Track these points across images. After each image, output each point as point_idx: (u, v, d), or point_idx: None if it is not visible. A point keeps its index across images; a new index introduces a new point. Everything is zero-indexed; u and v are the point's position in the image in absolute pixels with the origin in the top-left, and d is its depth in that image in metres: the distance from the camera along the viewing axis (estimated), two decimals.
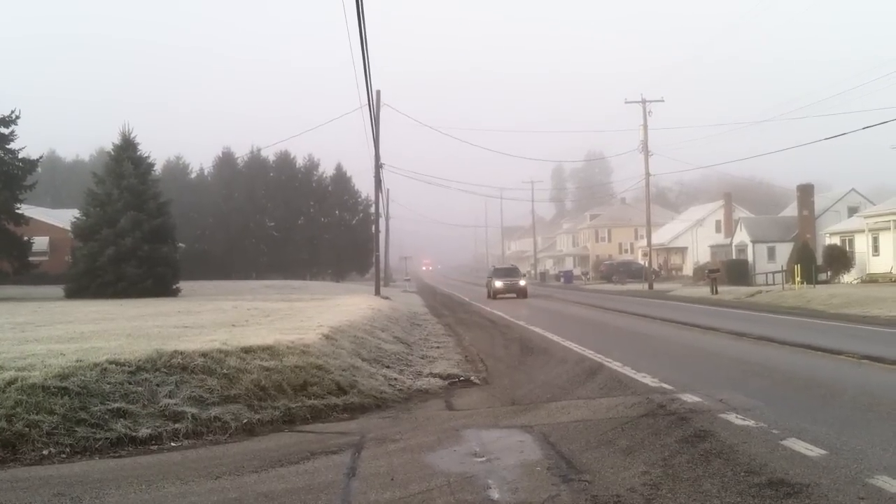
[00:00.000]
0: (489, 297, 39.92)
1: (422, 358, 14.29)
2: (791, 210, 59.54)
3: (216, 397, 8.58)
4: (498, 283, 40.15)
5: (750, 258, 54.77)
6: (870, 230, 42.07)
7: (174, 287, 35.71)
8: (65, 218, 44.28)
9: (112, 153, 37.26)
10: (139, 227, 34.13)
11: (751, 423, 7.52)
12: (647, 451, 6.66)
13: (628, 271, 66.77)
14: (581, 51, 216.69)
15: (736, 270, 51.29)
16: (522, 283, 40.69)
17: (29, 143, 37.52)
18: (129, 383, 8.33)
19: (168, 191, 44.33)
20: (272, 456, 7.03)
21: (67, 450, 7.15)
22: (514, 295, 39.27)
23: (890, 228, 39.84)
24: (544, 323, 21.82)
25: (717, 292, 37.71)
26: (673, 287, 50.38)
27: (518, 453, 6.86)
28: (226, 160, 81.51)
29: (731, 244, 60.03)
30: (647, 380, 10.53)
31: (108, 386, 8.14)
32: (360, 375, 10.61)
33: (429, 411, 9.44)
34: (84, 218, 35.66)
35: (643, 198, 55.45)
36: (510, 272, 43.59)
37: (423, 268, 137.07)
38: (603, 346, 15.02)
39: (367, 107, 29.62)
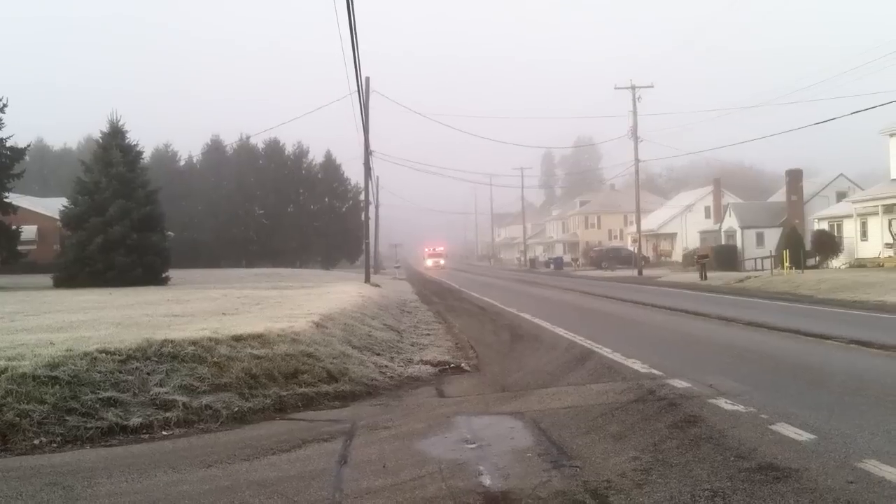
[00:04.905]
0: None
1: (412, 345, 14.29)
2: (780, 195, 59.74)
3: (207, 386, 8.56)
4: None
5: (739, 244, 54.94)
6: (858, 215, 42.24)
7: (163, 276, 35.53)
8: (53, 206, 43.93)
9: (100, 141, 36.90)
10: (128, 216, 33.91)
11: (740, 407, 7.58)
12: (637, 436, 6.71)
13: (618, 257, 66.94)
14: (571, 37, 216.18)
15: (725, 256, 51.46)
16: None
17: (16, 131, 37.00)
18: (120, 372, 8.31)
19: (157, 179, 43.92)
20: (263, 444, 7.03)
21: (58, 439, 7.12)
22: None
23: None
24: (534, 309, 21.85)
25: (706, 278, 37.86)
26: (662, 273, 50.56)
27: (509, 440, 6.88)
28: (215, 148, 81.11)
29: (720, 230, 60.18)
30: (637, 366, 10.59)
31: (99, 375, 8.12)
32: (351, 363, 10.61)
33: (420, 398, 9.45)
34: (72, 206, 35.38)
35: (632, 184, 55.49)
36: None
37: (430, 261, 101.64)
38: (592, 332, 15.09)
39: (357, 94, 29.48)
